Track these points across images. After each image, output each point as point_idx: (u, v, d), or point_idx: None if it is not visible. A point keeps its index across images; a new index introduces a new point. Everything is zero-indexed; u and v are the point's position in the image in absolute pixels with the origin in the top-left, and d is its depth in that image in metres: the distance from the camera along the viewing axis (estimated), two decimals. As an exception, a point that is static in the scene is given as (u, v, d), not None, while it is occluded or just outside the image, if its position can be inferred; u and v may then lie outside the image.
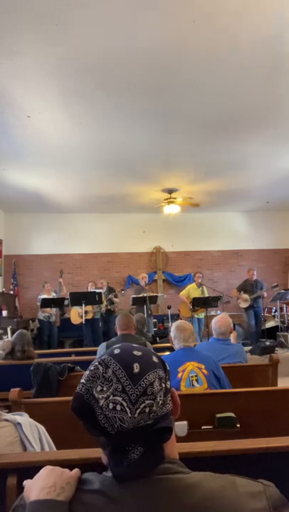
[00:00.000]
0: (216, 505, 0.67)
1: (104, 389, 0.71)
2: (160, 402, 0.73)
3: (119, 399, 0.70)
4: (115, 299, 7.90)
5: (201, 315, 7.48)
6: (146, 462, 0.71)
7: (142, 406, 0.70)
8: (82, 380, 0.75)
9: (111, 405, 0.70)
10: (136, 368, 0.73)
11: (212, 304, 7.05)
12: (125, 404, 0.70)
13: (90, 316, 7.44)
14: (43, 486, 0.73)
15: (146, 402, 0.71)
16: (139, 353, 0.77)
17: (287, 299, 7.62)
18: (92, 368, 0.76)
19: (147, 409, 0.70)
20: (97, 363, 0.76)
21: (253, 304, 7.61)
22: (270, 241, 10.18)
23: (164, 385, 0.75)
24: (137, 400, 0.70)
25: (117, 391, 0.71)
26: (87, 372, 0.76)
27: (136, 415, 0.70)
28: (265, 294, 7.62)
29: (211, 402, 2.08)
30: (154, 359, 0.78)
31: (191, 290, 7.67)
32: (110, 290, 7.90)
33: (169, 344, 2.89)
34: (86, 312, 7.19)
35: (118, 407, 0.69)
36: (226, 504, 0.67)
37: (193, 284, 7.82)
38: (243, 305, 7.64)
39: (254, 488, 0.72)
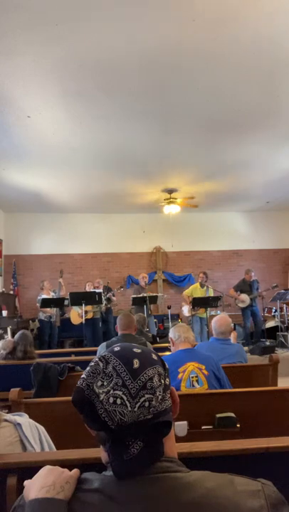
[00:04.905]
0: (214, 503, 0.68)
1: (105, 384, 0.73)
2: (159, 397, 0.74)
3: (120, 393, 0.71)
4: (113, 298, 7.90)
5: (203, 315, 7.47)
6: (145, 457, 0.72)
7: (141, 400, 0.71)
8: (83, 376, 0.76)
9: (111, 399, 0.71)
10: (136, 363, 0.75)
11: (212, 304, 7.04)
12: (125, 398, 0.71)
13: (90, 315, 7.43)
14: (42, 484, 0.73)
15: (146, 396, 0.72)
16: (139, 351, 0.79)
17: (287, 299, 7.62)
18: (92, 364, 0.77)
19: (147, 404, 0.72)
20: (97, 359, 0.77)
21: (252, 304, 7.62)
22: (270, 241, 10.18)
23: (163, 381, 0.76)
24: (137, 393, 0.72)
25: (117, 385, 0.72)
26: (88, 368, 0.77)
27: (136, 409, 0.71)
28: (265, 293, 7.63)
29: (211, 402, 2.08)
30: (154, 356, 0.80)
31: (194, 290, 7.67)
32: (108, 289, 7.90)
33: (169, 344, 2.89)
34: (86, 312, 7.19)
35: (118, 401, 0.71)
36: (224, 502, 0.68)
37: (197, 283, 7.82)
38: (242, 305, 7.65)
39: (252, 486, 0.72)
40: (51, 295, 7.63)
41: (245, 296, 7.59)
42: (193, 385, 2.22)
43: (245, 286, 7.72)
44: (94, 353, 3.66)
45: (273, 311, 8.24)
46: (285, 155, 6.26)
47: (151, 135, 5.41)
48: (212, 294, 7.56)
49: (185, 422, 1.90)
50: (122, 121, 4.98)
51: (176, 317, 8.90)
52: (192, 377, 2.24)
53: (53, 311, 7.62)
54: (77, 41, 3.43)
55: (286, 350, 6.68)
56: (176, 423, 1.83)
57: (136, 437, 0.72)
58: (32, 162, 6.14)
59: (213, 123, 5.11)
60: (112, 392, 0.71)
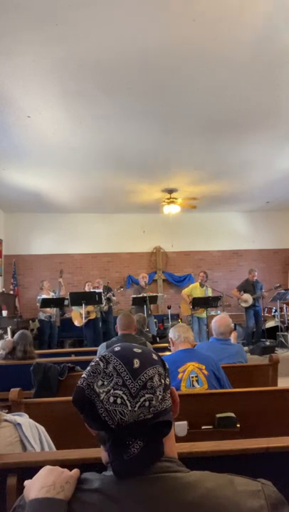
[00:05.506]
0: (214, 503, 0.68)
1: (105, 383, 0.73)
2: (160, 396, 0.74)
3: (120, 392, 0.71)
4: (113, 298, 7.91)
5: (203, 314, 7.48)
6: (145, 457, 0.72)
7: (141, 400, 0.72)
8: (84, 375, 0.77)
9: (112, 399, 0.71)
10: (136, 363, 0.75)
11: (212, 304, 7.04)
12: (125, 398, 0.71)
13: (92, 316, 7.43)
14: (42, 484, 0.73)
15: (146, 395, 0.72)
16: (139, 351, 0.79)
17: (287, 299, 7.62)
18: (93, 363, 0.78)
19: (147, 403, 0.72)
20: (98, 359, 0.78)
21: (255, 304, 7.63)
22: (270, 241, 10.18)
23: (163, 381, 0.77)
24: (137, 393, 0.72)
25: (117, 385, 0.72)
26: (89, 367, 0.77)
27: (136, 408, 0.71)
28: (267, 294, 7.64)
29: (211, 402, 2.08)
30: (154, 356, 0.80)
31: (194, 289, 7.67)
32: (108, 289, 7.90)
33: (169, 344, 2.89)
34: (88, 313, 7.19)
35: (118, 401, 0.71)
36: (224, 503, 0.68)
37: (197, 283, 7.83)
38: (245, 305, 7.66)
39: (252, 487, 0.72)
40: (51, 295, 7.62)
41: (247, 296, 7.59)
42: (193, 385, 2.22)
43: (249, 286, 7.73)
44: (94, 353, 3.66)
45: (273, 311, 8.25)
46: (285, 155, 6.26)
47: (151, 135, 5.41)
48: (211, 294, 7.57)
49: (185, 422, 1.90)
50: (122, 121, 4.98)
51: (176, 317, 8.90)
52: (192, 377, 2.24)
53: (53, 311, 7.62)
54: (77, 41, 3.43)
55: (286, 350, 6.68)
56: (176, 423, 1.83)
57: (136, 437, 0.72)
58: (32, 162, 6.14)
59: (213, 123, 5.11)
60: (112, 391, 0.71)
